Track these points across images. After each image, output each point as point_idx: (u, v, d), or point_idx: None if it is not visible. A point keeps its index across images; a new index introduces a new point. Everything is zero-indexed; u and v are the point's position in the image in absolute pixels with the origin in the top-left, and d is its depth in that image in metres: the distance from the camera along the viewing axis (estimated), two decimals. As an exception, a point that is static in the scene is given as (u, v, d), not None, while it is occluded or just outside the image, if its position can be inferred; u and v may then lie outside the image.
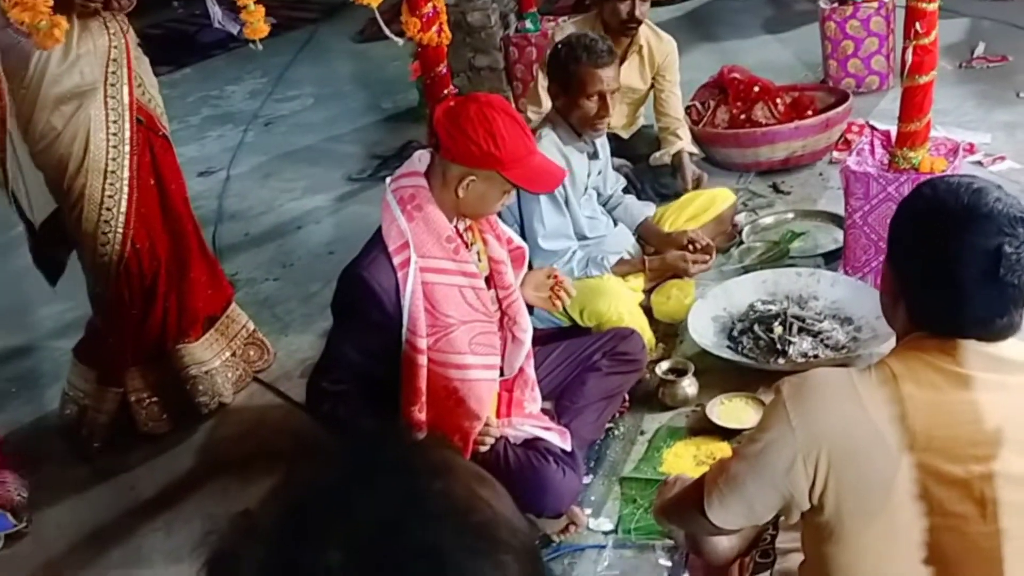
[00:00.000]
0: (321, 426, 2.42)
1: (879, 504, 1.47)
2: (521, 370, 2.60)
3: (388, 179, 2.38)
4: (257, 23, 3.01)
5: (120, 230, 3.00)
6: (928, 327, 1.51)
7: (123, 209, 2.99)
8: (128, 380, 3.22)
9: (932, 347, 1.49)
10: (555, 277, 2.73)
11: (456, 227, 2.37)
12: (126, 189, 2.98)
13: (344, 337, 2.39)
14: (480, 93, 2.35)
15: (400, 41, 3.13)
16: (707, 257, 3.27)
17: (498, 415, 2.57)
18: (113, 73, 2.94)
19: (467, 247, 2.39)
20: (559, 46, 3.20)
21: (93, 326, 3.25)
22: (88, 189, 2.94)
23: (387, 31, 3.01)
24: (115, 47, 2.94)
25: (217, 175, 5.59)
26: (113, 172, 2.96)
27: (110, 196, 2.97)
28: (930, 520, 1.46)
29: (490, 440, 2.45)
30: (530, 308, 2.66)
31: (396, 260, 2.26)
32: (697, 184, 3.95)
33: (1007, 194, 1.48)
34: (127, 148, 2.97)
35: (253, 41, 3.03)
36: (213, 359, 3.34)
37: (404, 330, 2.28)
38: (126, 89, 2.97)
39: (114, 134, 2.95)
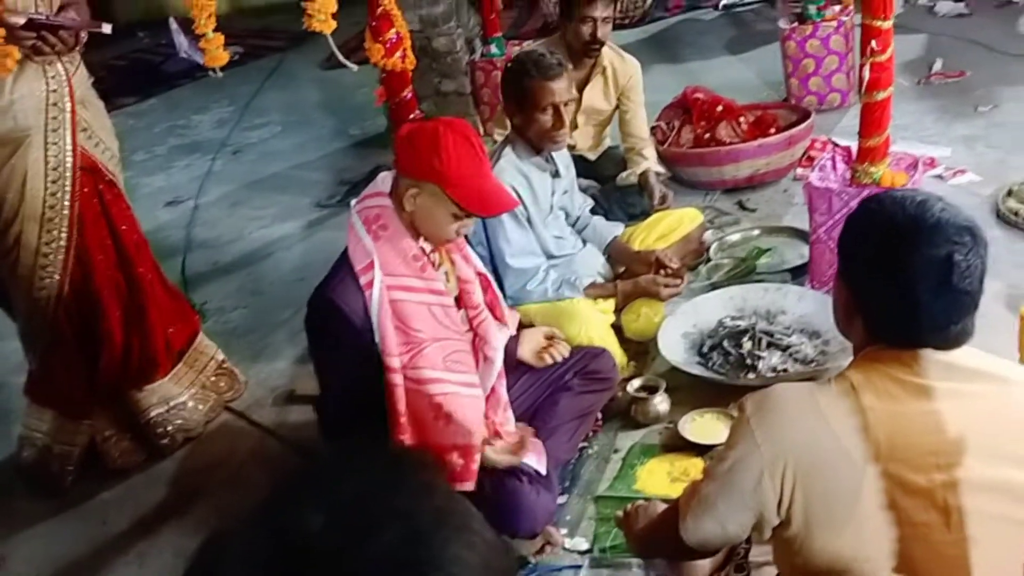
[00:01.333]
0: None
1: (846, 515, 1.49)
2: (493, 390, 2.60)
3: (353, 201, 2.38)
4: (215, 51, 3.00)
5: (57, 276, 2.96)
6: (885, 339, 1.54)
7: (61, 257, 2.94)
8: (94, 420, 3.20)
9: (890, 358, 1.52)
10: (553, 338, 2.80)
11: (422, 247, 2.38)
12: (64, 237, 2.93)
13: (328, 367, 2.39)
14: (447, 118, 2.35)
15: (355, 68, 3.14)
16: (678, 280, 3.30)
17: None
18: (54, 119, 2.86)
19: (434, 267, 2.39)
20: (509, 65, 3.25)
21: (39, 364, 3.19)
22: (24, 236, 2.88)
23: (342, 58, 3.03)
24: (54, 91, 2.86)
25: (185, 204, 5.56)
26: (51, 220, 2.90)
27: (47, 243, 2.92)
28: (897, 530, 1.48)
29: (525, 441, 2.44)
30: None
31: (362, 280, 2.25)
32: (663, 202, 3.99)
33: (950, 204, 1.52)
34: (67, 196, 2.91)
35: (213, 69, 3.02)
36: (181, 393, 3.32)
37: (377, 350, 2.28)
38: (69, 136, 2.90)
39: (53, 182, 2.88)
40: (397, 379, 2.29)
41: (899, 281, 1.49)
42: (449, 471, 2.34)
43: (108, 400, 3.22)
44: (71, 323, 3.05)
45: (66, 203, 2.91)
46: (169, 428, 3.27)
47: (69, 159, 2.91)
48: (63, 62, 2.89)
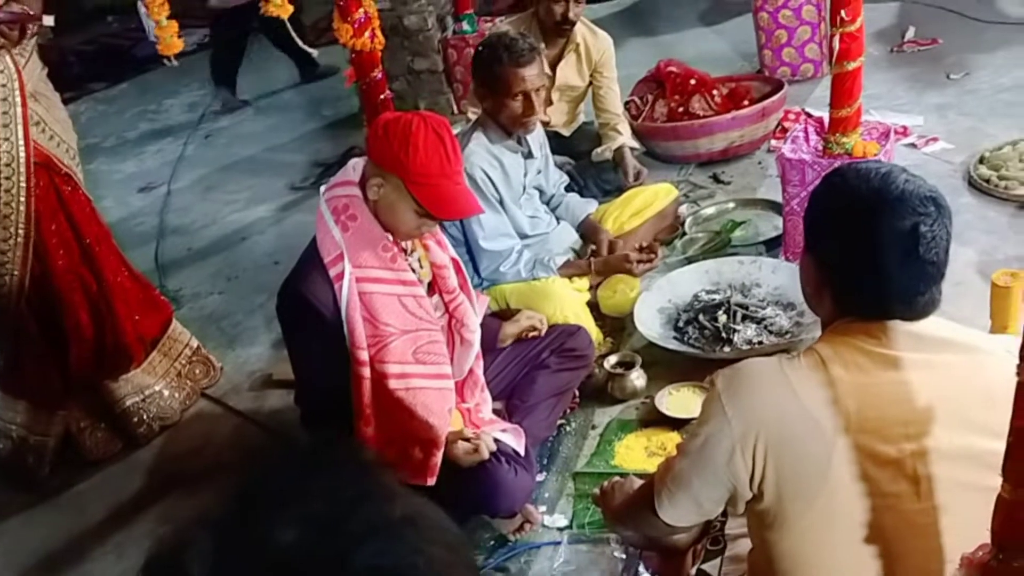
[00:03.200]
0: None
1: (817, 488, 1.49)
2: (471, 371, 2.60)
3: (322, 188, 2.34)
4: (170, 39, 2.95)
5: (17, 272, 2.93)
6: (854, 311, 1.54)
7: (19, 254, 2.91)
8: (69, 411, 3.18)
9: (858, 331, 1.52)
10: (537, 330, 2.87)
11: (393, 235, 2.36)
12: (21, 233, 2.89)
13: (302, 359, 2.38)
14: (428, 113, 2.29)
15: (315, 53, 3.11)
16: (652, 256, 3.29)
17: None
18: (4, 114, 2.81)
19: (405, 253, 2.37)
20: (480, 48, 3.20)
21: (8, 358, 3.17)
22: None
23: (301, 44, 3.00)
24: (3, 86, 2.80)
25: (158, 190, 5.52)
26: (6, 216, 2.86)
27: (4, 240, 2.88)
28: (868, 500, 1.49)
29: (482, 449, 2.40)
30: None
31: (332, 272, 2.22)
32: (638, 179, 3.98)
33: (914, 175, 1.52)
34: (22, 192, 2.86)
35: (168, 58, 2.97)
36: (157, 382, 3.31)
37: (347, 343, 2.26)
38: (20, 130, 2.84)
39: (7, 178, 2.84)
40: (365, 372, 2.27)
41: (866, 253, 1.49)
42: (410, 465, 2.33)
43: (82, 390, 3.20)
44: (36, 318, 3.03)
45: (21, 199, 2.87)
46: (145, 417, 3.26)
47: (22, 154, 2.85)
48: (11, 55, 2.83)
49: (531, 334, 2.90)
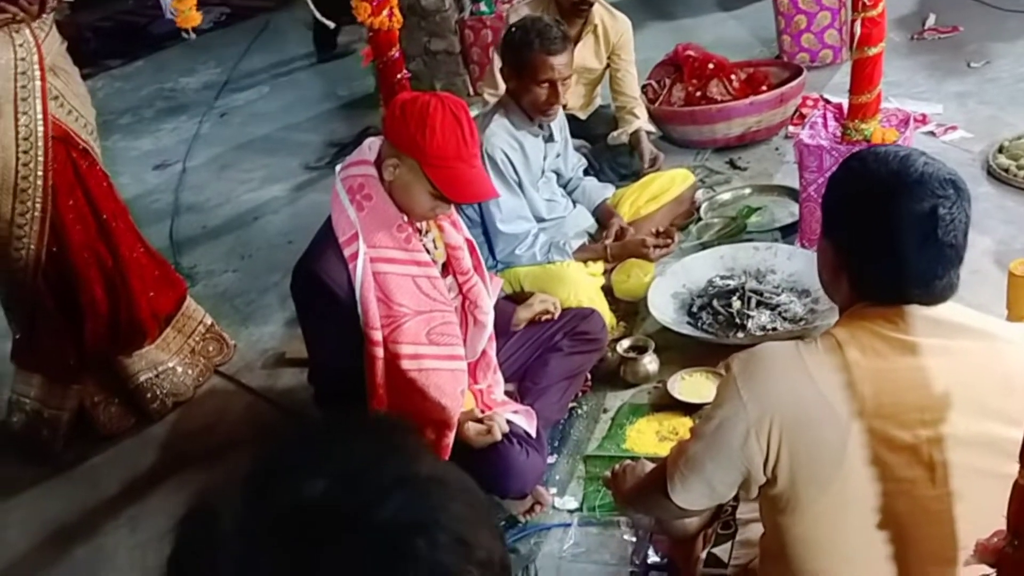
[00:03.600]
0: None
1: (831, 472, 1.49)
2: (484, 353, 2.60)
3: (338, 167, 2.34)
4: (188, 11, 2.93)
5: (33, 247, 2.93)
6: (871, 296, 1.54)
7: (36, 228, 2.91)
8: (83, 385, 3.20)
9: (875, 315, 1.51)
10: (551, 314, 2.88)
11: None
12: (38, 207, 2.90)
13: (316, 338, 2.38)
14: (446, 94, 2.28)
15: (332, 24, 3.09)
16: (668, 241, 3.28)
17: None
18: (23, 87, 2.81)
19: (420, 234, 2.36)
20: (513, 29, 3.18)
21: (24, 331, 3.18)
22: None
23: (319, 16, 2.98)
24: (22, 60, 2.80)
25: (173, 168, 5.53)
26: (24, 191, 2.86)
27: (21, 215, 2.89)
28: (882, 485, 1.48)
29: (494, 431, 2.41)
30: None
31: (346, 252, 2.22)
32: (654, 164, 3.97)
33: (932, 158, 1.51)
34: (40, 166, 2.87)
35: (186, 31, 2.96)
36: (170, 358, 3.32)
37: (360, 322, 2.26)
38: (39, 104, 2.84)
39: (25, 151, 2.84)
40: (378, 352, 2.26)
41: (884, 236, 1.48)
42: None
43: (97, 365, 3.21)
44: (52, 292, 3.04)
45: (39, 173, 2.88)
46: (158, 393, 3.28)
47: (40, 128, 2.85)
48: (31, 28, 2.83)
49: (544, 317, 2.90)
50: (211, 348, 3.49)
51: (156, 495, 2.98)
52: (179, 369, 3.34)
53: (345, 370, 2.31)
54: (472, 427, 2.41)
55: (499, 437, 2.41)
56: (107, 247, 3.09)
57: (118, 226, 3.13)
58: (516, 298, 3.00)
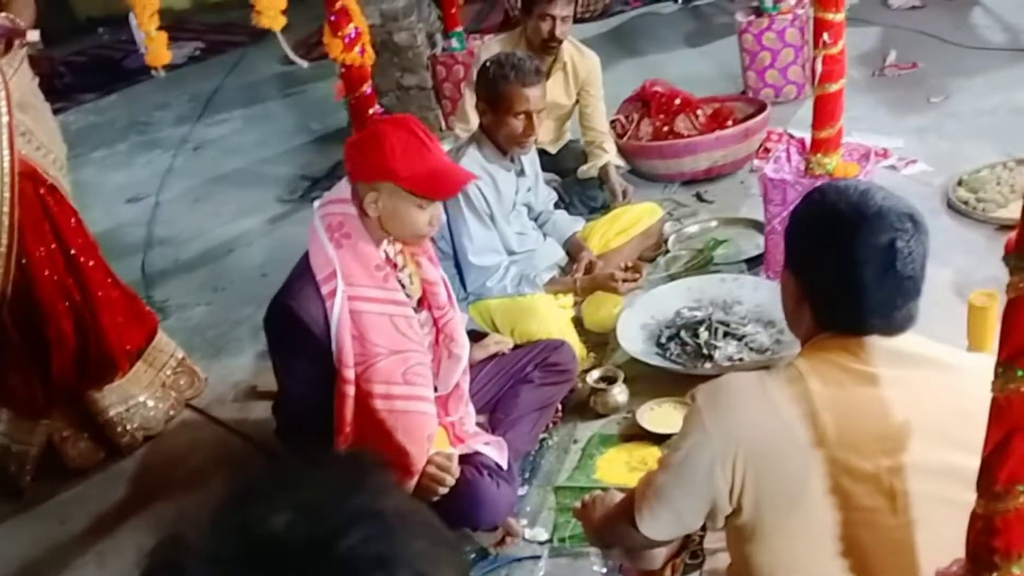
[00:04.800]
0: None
1: (794, 501, 1.51)
2: (456, 385, 2.61)
3: (316, 204, 2.35)
4: (159, 50, 2.96)
5: None
6: (832, 327, 1.57)
7: (1, 264, 2.91)
8: (52, 419, 3.18)
9: (836, 346, 1.55)
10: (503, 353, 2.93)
11: (386, 252, 2.36)
12: (4, 243, 2.90)
13: (287, 373, 2.37)
14: (390, 116, 2.33)
15: (305, 64, 3.12)
16: (637, 276, 3.33)
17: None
18: None
19: (396, 269, 2.38)
20: (488, 64, 3.23)
21: None
22: None
23: (292, 55, 3.01)
24: None
25: (146, 201, 5.52)
26: None
27: None
28: (844, 515, 1.50)
29: (450, 480, 2.40)
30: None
31: (324, 289, 2.22)
32: (625, 198, 4.03)
33: (891, 192, 1.56)
34: (5, 203, 2.87)
35: (156, 68, 2.98)
36: (141, 392, 3.31)
37: (334, 359, 2.26)
38: (5, 141, 2.85)
39: None
40: (349, 390, 2.27)
41: (845, 268, 1.52)
42: None
43: (65, 400, 3.20)
44: (18, 327, 3.03)
45: (4, 210, 2.88)
46: (128, 427, 3.26)
47: (6, 165, 2.86)
48: None
49: (506, 350, 2.96)
50: (182, 382, 3.48)
51: (125, 530, 2.96)
52: (150, 403, 3.33)
53: (312, 406, 2.31)
54: (427, 471, 2.39)
55: (445, 491, 2.40)
56: (75, 282, 3.08)
57: (86, 261, 3.12)
58: (472, 336, 3.02)
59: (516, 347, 3.05)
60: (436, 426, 2.46)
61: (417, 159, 2.21)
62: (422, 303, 2.47)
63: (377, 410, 2.30)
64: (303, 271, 2.27)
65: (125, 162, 6.27)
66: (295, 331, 2.24)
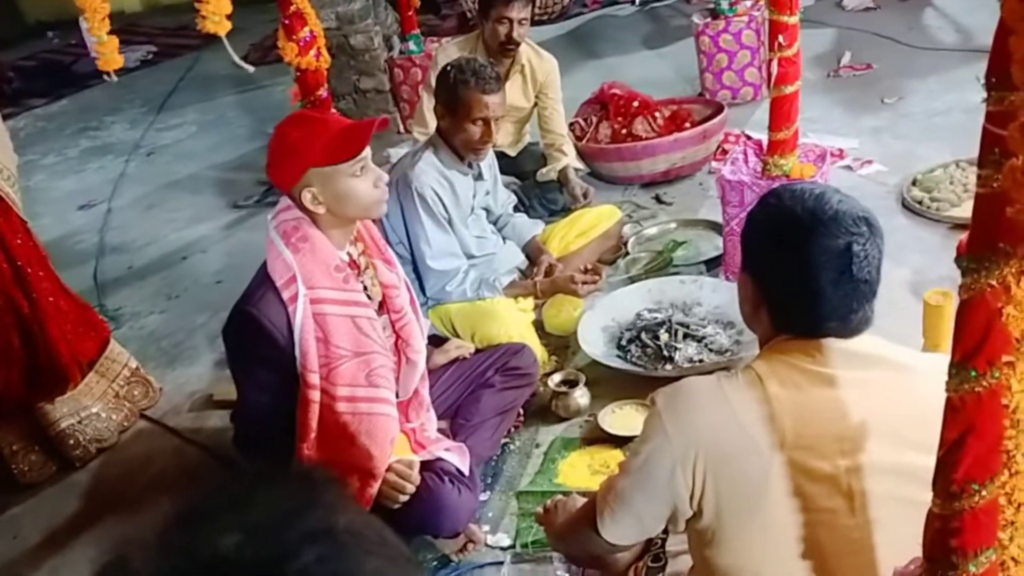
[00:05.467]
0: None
1: (755, 504, 1.52)
2: (416, 392, 2.59)
3: (269, 216, 2.32)
4: (110, 54, 2.91)
5: None
6: (790, 329, 1.58)
7: None
8: (2, 433, 3.11)
9: (794, 349, 1.55)
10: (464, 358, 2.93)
11: (349, 254, 2.33)
12: None
13: (248, 381, 2.33)
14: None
15: (251, 70, 3.08)
16: (596, 278, 3.32)
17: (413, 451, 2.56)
18: None
19: (359, 271, 2.36)
20: (448, 68, 3.22)
21: None
22: None
23: (238, 60, 2.97)
24: None
25: (98, 208, 5.44)
26: None
27: None
28: (804, 516, 1.51)
29: (410, 488, 2.39)
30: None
31: (285, 295, 2.20)
32: (586, 198, 4.03)
33: (846, 196, 1.56)
34: None
35: (107, 73, 2.93)
36: (93, 403, 3.25)
37: (297, 364, 2.23)
38: None
39: None
40: (314, 395, 2.24)
41: (801, 272, 1.52)
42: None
43: (15, 412, 3.13)
44: None
45: None
46: (81, 439, 3.20)
47: None
48: None
49: (466, 355, 2.96)
50: (136, 392, 3.42)
51: (78, 544, 2.90)
52: (103, 414, 3.27)
53: (272, 414, 2.28)
54: (387, 478, 2.37)
55: (405, 499, 2.38)
56: (23, 293, 3.02)
57: (34, 272, 3.05)
58: (433, 341, 3.00)
59: (477, 351, 3.04)
60: (398, 429, 2.44)
61: (319, 133, 2.19)
62: (383, 307, 2.45)
63: (340, 413, 2.28)
64: (262, 279, 2.24)
65: (76, 168, 6.18)
66: (257, 338, 2.21)
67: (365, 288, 2.37)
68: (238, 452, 2.47)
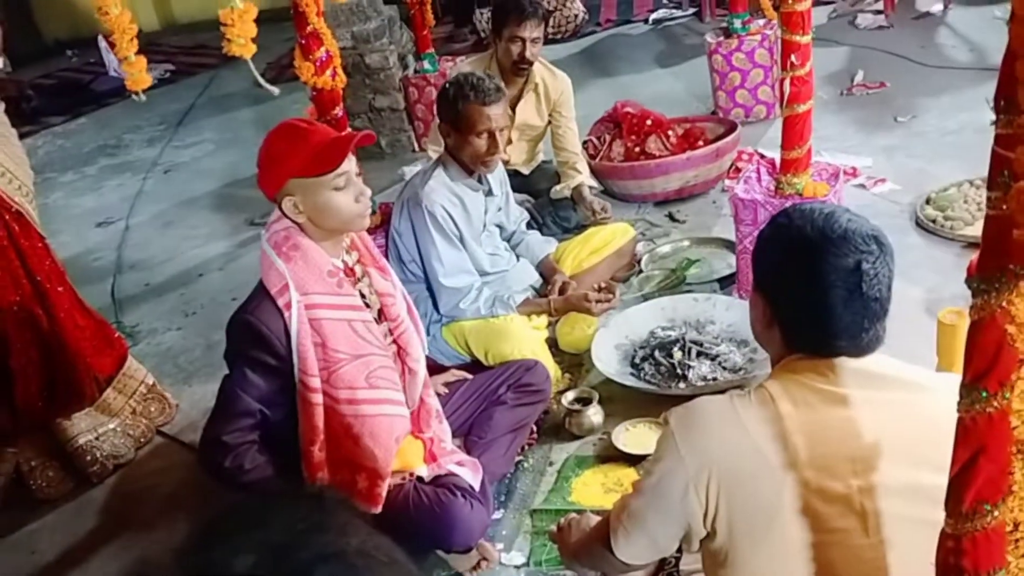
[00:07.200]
0: (221, 481, 2.31)
1: (767, 524, 1.51)
2: (422, 400, 2.59)
3: (262, 231, 2.33)
4: (138, 74, 2.95)
5: None
6: (801, 348, 1.58)
7: None
8: (19, 448, 3.13)
9: (806, 368, 1.55)
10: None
11: (344, 261, 2.35)
12: None
13: (239, 385, 2.31)
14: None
15: (276, 91, 3.12)
16: (610, 296, 3.33)
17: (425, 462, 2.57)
18: None
19: (356, 278, 2.38)
20: (447, 85, 3.24)
21: None
22: None
23: (263, 82, 3.01)
24: None
25: (116, 225, 5.49)
26: None
27: None
28: (816, 536, 1.51)
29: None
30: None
31: (280, 302, 2.22)
32: (604, 213, 4.04)
33: (856, 215, 1.57)
34: None
35: (136, 92, 2.97)
36: (111, 420, 3.27)
37: (296, 370, 2.25)
38: None
39: None
40: (317, 398, 2.26)
41: (812, 291, 1.53)
42: (356, 493, 2.32)
43: (33, 428, 3.15)
44: None
45: None
46: (98, 455, 3.22)
47: None
48: None
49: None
50: (153, 408, 3.44)
51: (95, 561, 2.92)
52: (119, 430, 3.29)
53: (248, 415, 2.25)
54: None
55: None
56: (42, 309, 3.05)
57: (54, 288, 3.08)
58: (431, 370, 2.97)
59: (489, 368, 3.05)
60: (406, 428, 2.45)
61: (300, 145, 2.20)
62: (381, 315, 2.47)
63: (343, 415, 2.29)
64: (258, 290, 2.27)
65: (94, 186, 6.24)
66: (254, 344, 2.22)
67: (363, 296, 2.39)
68: (204, 458, 2.38)
